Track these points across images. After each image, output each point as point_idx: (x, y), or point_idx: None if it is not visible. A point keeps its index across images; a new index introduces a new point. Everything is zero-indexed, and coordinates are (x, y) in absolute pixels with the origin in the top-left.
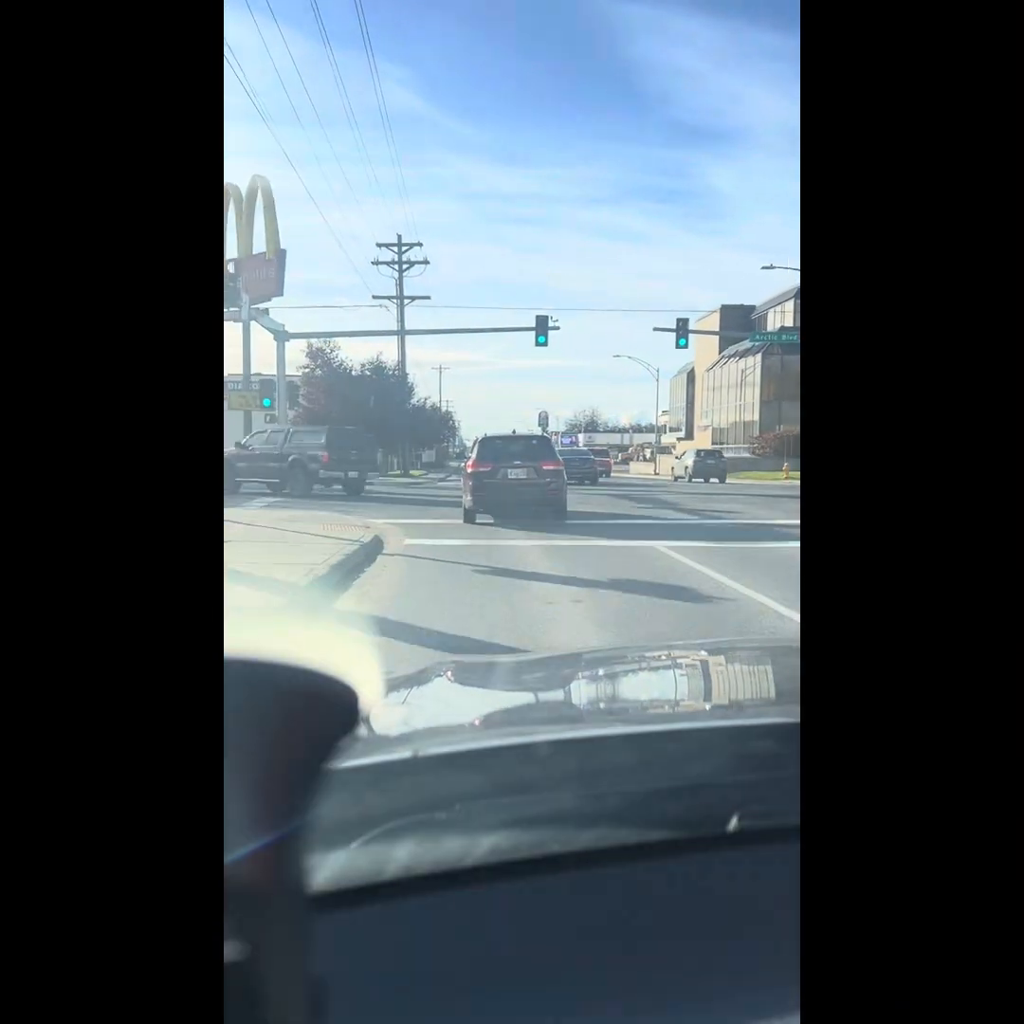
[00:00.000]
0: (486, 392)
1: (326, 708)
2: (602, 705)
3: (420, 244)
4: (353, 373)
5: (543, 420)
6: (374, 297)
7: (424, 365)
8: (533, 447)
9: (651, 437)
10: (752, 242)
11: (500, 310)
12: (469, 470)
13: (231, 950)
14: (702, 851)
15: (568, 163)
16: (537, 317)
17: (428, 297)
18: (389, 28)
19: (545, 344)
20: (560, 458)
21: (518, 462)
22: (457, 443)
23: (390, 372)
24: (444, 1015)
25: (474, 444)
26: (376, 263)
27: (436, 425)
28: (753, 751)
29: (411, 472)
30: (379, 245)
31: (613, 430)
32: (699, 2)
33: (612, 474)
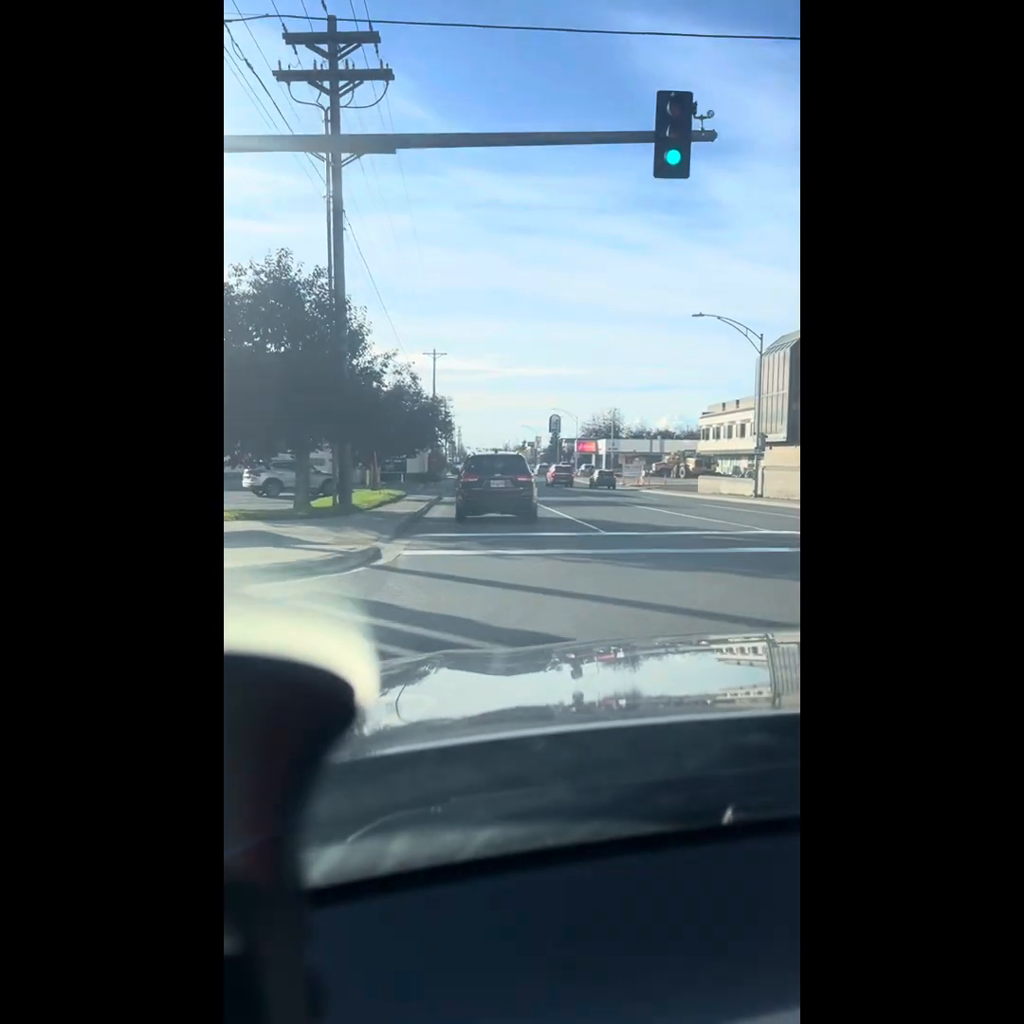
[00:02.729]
0: (488, 401)
1: (321, 703)
2: (597, 698)
3: (372, 38)
4: (232, 290)
5: (554, 424)
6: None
7: (422, 373)
8: (511, 463)
9: (692, 444)
10: (755, 253)
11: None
12: (462, 481)
13: (228, 945)
14: (697, 844)
15: (570, 173)
16: (664, 96)
17: (388, 75)
18: (389, 36)
19: (680, 169)
20: (531, 472)
21: (498, 475)
22: (458, 448)
23: (307, 286)
24: (440, 1009)
25: (465, 461)
26: (282, 76)
27: (422, 420)
28: (748, 744)
29: (359, 500)
30: (288, 38)
31: (638, 435)
32: (701, 13)
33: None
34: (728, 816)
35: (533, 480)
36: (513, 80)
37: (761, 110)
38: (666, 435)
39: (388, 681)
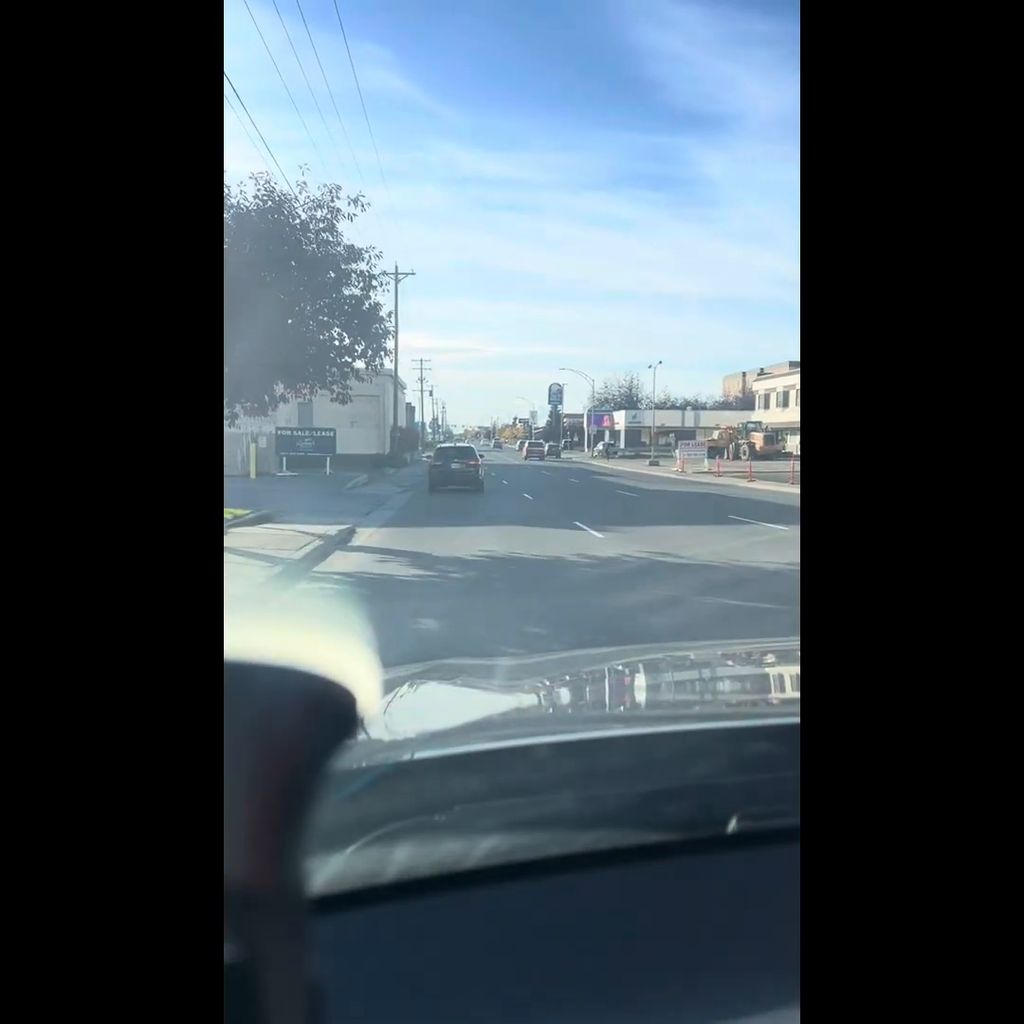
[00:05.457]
0: (475, 379)
1: (324, 711)
2: (600, 707)
3: None
4: None
5: (555, 395)
6: None
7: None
8: (464, 451)
9: (729, 417)
10: (743, 230)
11: None
12: (430, 465)
13: (230, 953)
14: (701, 853)
15: (557, 149)
16: None
17: None
18: (371, 8)
19: None
20: (479, 457)
21: (456, 460)
22: (442, 425)
23: None
24: (442, 1017)
25: (434, 449)
26: None
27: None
28: (752, 752)
29: None
30: None
31: (664, 406)
32: None
33: None
34: (733, 825)
35: (480, 462)
36: (498, 54)
37: (750, 86)
38: (696, 406)
39: (391, 688)
